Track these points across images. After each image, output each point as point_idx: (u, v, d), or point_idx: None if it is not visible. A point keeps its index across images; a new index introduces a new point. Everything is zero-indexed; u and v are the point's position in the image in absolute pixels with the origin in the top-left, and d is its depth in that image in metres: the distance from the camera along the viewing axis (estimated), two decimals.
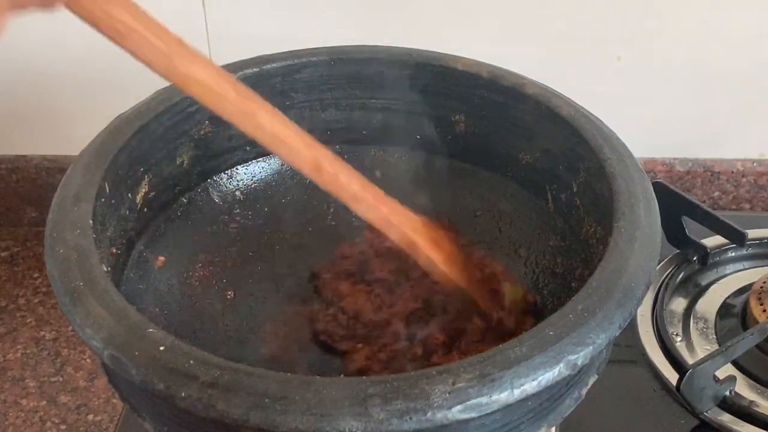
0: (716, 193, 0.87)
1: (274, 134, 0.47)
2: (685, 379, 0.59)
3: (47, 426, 0.68)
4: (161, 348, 0.40)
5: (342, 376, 0.53)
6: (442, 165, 0.63)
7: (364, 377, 0.39)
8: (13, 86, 0.83)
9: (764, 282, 0.68)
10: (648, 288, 0.45)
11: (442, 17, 0.78)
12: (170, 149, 0.58)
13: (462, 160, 0.63)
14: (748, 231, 0.70)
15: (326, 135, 0.64)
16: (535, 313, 0.56)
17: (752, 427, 0.60)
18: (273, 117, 0.47)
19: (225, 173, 0.62)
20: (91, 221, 0.47)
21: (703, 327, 0.69)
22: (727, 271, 0.74)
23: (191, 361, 0.39)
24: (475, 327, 0.54)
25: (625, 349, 0.66)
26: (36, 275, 0.83)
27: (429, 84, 0.62)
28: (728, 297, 0.71)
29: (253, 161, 0.63)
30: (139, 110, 0.56)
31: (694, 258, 0.73)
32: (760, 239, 0.75)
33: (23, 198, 0.88)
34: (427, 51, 0.62)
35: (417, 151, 0.64)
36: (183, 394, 0.38)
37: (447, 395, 0.38)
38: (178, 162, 0.59)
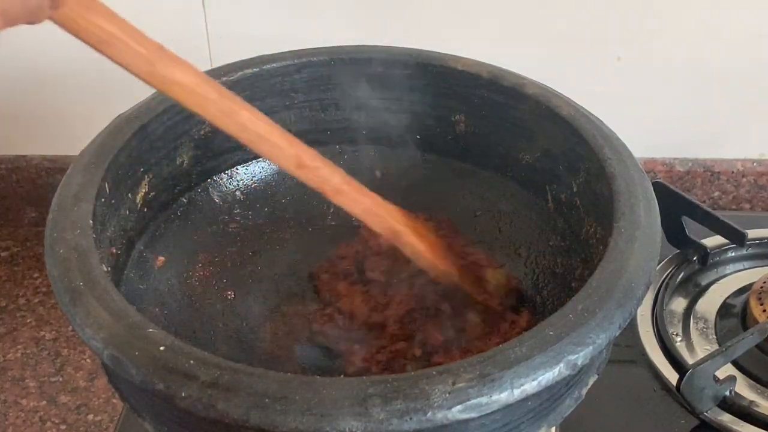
0: (716, 193, 0.87)
1: (258, 133, 0.48)
2: (685, 379, 0.59)
3: (47, 426, 0.68)
4: (161, 348, 0.40)
5: (342, 376, 0.53)
6: (442, 165, 0.63)
7: (364, 377, 0.39)
8: (13, 86, 0.83)
9: (764, 282, 0.68)
10: (648, 288, 0.45)
11: (442, 17, 0.78)
12: (170, 149, 0.58)
13: (462, 160, 0.63)
14: (748, 231, 0.70)
15: (326, 135, 0.64)
16: (518, 291, 0.57)
17: (752, 427, 0.60)
18: (255, 116, 0.48)
19: (225, 173, 0.62)
20: (91, 221, 0.47)
21: (703, 327, 0.69)
22: (727, 271, 0.74)
23: (191, 361, 0.39)
24: (474, 325, 0.54)
25: (625, 349, 0.66)
26: (36, 275, 0.83)
27: (429, 84, 0.62)
28: (728, 297, 0.71)
29: (253, 161, 0.63)
30: (139, 110, 0.56)
31: (694, 258, 0.73)
32: (760, 239, 0.75)
33: (23, 198, 0.88)
34: (427, 51, 0.62)
35: (417, 151, 0.64)
36: (183, 394, 0.38)
37: (447, 395, 0.38)
38: (178, 162, 0.59)
